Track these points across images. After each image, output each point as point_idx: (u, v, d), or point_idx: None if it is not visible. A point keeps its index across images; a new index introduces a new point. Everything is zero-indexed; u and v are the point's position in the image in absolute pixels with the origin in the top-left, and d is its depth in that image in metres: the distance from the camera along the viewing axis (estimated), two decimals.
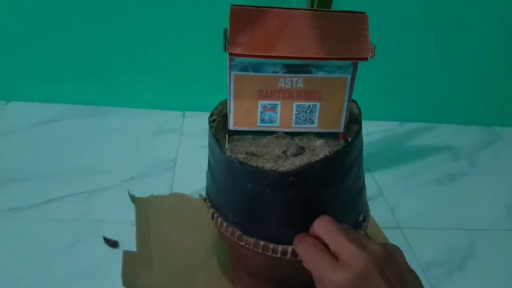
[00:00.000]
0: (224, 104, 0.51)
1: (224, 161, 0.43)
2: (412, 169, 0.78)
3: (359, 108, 0.50)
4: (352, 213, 0.47)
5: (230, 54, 0.38)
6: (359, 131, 0.46)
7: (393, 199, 0.69)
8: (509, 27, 0.85)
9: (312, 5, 0.45)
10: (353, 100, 0.50)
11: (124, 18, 0.81)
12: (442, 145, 0.87)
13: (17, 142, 0.75)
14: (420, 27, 0.84)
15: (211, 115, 0.49)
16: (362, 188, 0.48)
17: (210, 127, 0.47)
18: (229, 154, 0.42)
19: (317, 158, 0.42)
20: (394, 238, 0.61)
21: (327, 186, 0.42)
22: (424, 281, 0.38)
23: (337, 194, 0.44)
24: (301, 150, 0.43)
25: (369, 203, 0.51)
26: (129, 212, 0.62)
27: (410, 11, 0.81)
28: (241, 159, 0.42)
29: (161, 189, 0.67)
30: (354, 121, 0.47)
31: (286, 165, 0.41)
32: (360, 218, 0.49)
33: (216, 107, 0.51)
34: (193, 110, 0.92)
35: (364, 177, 0.49)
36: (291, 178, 0.40)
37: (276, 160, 0.42)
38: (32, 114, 0.83)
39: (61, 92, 0.88)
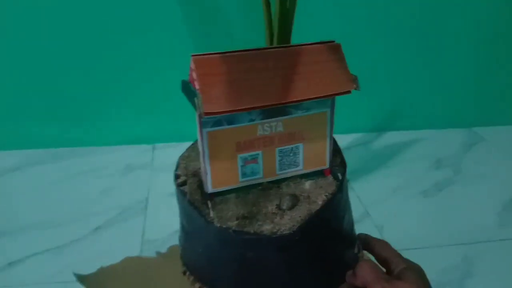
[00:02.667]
0: (185, 158, 0.45)
1: (213, 232, 0.37)
2: (397, 183, 0.75)
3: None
4: (350, 248, 0.44)
5: (206, 114, 0.32)
6: (343, 161, 0.43)
7: (380, 218, 0.66)
8: (483, 26, 0.84)
9: (271, 42, 0.41)
10: None
11: (82, 51, 0.75)
12: (424, 153, 0.85)
13: None
14: (391, 32, 0.81)
15: (176, 177, 0.42)
16: (353, 220, 0.46)
17: (181, 192, 0.40)
18: (218, 225, 0.36)
19: (316, 206, 0.38)
20: None
21: (330, 231, 0.39)
22: None
23: (339, 234, 0.40)
24: (295, 200, 0.38)
25: (356, 226, 0.49)
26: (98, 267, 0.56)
27: (380, 17, 0.79)
28: (234, 227, 0.36)
29: (131, 238, 0.61)
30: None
31: (286, 223, 0.36)
32: (356, 250, 0.46)
33: (178, 165, 0.44)
34: (163, 142, 0.85)
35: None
36: (297, 238, 0.35)
37: (273, 218, 0.37)
38: None
39: (18, 137, 0.81)
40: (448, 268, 0.58)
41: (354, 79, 0.36)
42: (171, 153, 0.45)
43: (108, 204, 0.68)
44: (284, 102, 0.35)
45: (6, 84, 0.77)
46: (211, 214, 0.37)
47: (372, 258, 0.42)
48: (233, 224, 0.36)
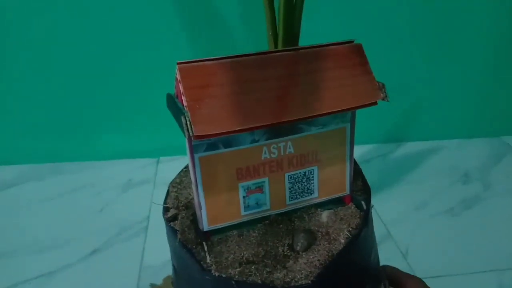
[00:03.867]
0: (176, 186, 0.38)
1: (210, 282, 0.30)
2: (420, 200, 0.67)
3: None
4: (375, 282, 0.37)
5: (196, 137, 0.25)
6: (365, 185, 0.36)
7: (404, 241, 0.59)
8: (502, 29, 0.76)
9: (275, 46, 0.34)
10: None
11: (83, 63, 0.71)
12: (448, 166, 0.77)
13: None
14: (410, 41, 0.74)
15: (165, 211, 0.35)
16: (378, 252, 0.38)
17: (171, 230, 0.33)
18: (217, 274, 0.29)
19: (337, 245, 0.30)
20: None
21: (355, 274, 0.31)
22: None
23: (366, 276, 0.33)
24: (311, 238, 0.31)
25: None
26: None
27: (398, 24, 0.72)
28: (236, 277, 0.29)
29: (129, 262, 0.58)
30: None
31: (302, 269, 0.29)
32: (382, 287, 0.38)
33: (168, 194, 0.37)
34: (168, 155, 0.80)
35: None
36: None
37: (285, 262, 0.30)
38: None
39: (14, 151, 0.77)
40: None
41: (381, 88, 0.29)
42: (176, 167, 0.40)
43: (105, 224, 0.64)
44: (294, 119, 0.28)
45: (3, 97, 0.73)
46: (208, 259, 0.30)
47: None
48: (235, 272, 0.29)
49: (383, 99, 0.29)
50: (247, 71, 0.27)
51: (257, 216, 0.32)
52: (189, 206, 0.35)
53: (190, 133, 0.25)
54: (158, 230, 0.61)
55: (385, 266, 0.39)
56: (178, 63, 0.26)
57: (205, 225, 0.31)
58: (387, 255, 0.52)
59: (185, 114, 0.25)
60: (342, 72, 0.29)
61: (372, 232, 0.35)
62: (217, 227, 0.32)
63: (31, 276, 0.55)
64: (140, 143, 0.79)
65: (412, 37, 0.75)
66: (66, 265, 0.57)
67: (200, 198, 0.30)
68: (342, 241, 0.30)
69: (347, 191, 0.34)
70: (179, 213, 0.34)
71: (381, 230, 0.60)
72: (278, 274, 0.29)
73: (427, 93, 0.80)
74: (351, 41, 0.30)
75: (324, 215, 0.34)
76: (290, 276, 0.28)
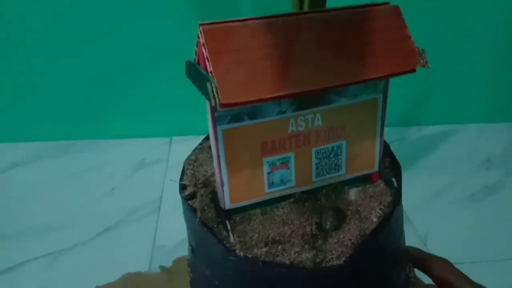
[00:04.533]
0: (192, 163, 0.35)
1: (234, 263, 0.28)
2: (440, 185, 0.65)
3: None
4: (404, 268, 0.35)
5: (223, 105, 0.23)
6: (395, 162, 0.34)
7: (424, 226, 0.57)
8: None
9: (300, 7, 0.31)
10: None
11: (93, 42, 0.69)
12: (470, 151, 0.74)
13: None
14: (435, 19, 0.71)
15: (182, 188, 0.33)
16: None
17: (190, 209, 0.31)
18: (242, 254, 0.27)
19: (370, 224, 0.28)
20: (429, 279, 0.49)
21: (387, 255, 0.30)
22: None
23: (397, 258, 0.31)
24: (341, 217, 0.29)
25: None
26: (103, 275, 0.51)
27: (414, 3, 0.67)
28: (263, 257, 0.27)
29: (142, 242, 0.57)
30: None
31: (333, 249, 0.27)
32: (407, 270, 0.37)
33: (184, 172, 0.35)
34: (181, 135, 0.78)
35: None
36: (350, 269, 0.26)
37: (314, 242, 0.28)
38: None
39: (28, 129, 0.76)
40: None
41: (421, 53, 0.26)
42: (189, 147, 0.38)
43: (116, 204, 0.63)
44: (326, 87, 0.25)
45: (16, 75, 0.72)
46: (231, 239, 0.28)
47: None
48: (261, 252, 0.27)
49: (423, 66, 0.26)
50: (276, 34, 0.25)
51: (282, 193, 0.30)
52: (207, 183, 0.33)
53: (217, 101, 0.22)
54: (171, 210, 0.61)
55: (408, 247, 0.38)
56: (200, 24, 0.24)
57: (227, 203, 0.29)
58: (406, 241, 0.51)
59: (211, 80, 0.23)
60: (379, 36, 0.26)
61: (403, 215, 0.33)
62: (240, 205, 0.30)
63: (42, 253, 0.55)
64: (153, 123, 0.77)
65: (429, 16, 0.71)
66: (77, 243, 0.56)
67: (222, 175, 0.28)
68: (375, 219, 0.28)
69: (376, 168, 0.32)
70: (197, 191, 0.32)
71: None
72: (307, 254, 0.27)
73: (446, 75, 0.77)
74: (387, 3, 0.28)
75: (352, 193, 0.32)
76: (320, 257, 0.27)
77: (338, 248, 0.27)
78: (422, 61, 0.26)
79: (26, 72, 0.72)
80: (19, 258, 0.54)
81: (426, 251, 0.53)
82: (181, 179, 0.34)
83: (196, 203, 0.31)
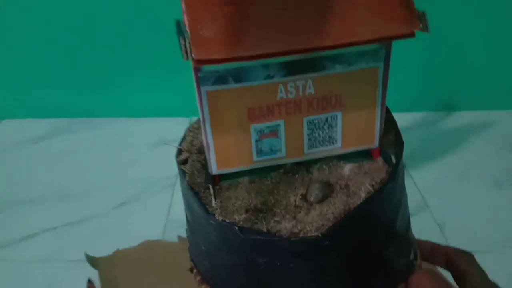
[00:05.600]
0: (193, 130, 0.36)
1: (214, 228, 0.28)
2: (464, 169, 0.63)
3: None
4: (404, 255, 0.33)
5: (195, 61, 0.22)
6: (399, 139, 0.32)
7: (442, 212, 0.55)
8: None
9: None
10: None
11: (115, 17, 0.71)
12: (497, 138, 0.71)
13: (2, 165, 0.69)
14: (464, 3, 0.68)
15: (178, 153, 0.33)
16: (409, 217, 0.35)
17: (181, 173, 0.31)
18: (220, 218, 0.27)
19: (356, 199, 0.27)
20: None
21: (376, 233, 0.28)
22: None
23: (389, 238, 0.30)
24: (328, 190, 0.28)
25: (411, 219, 0.37)
26: (119, 243, 0.54)
27: None
28: (241, 223, 0.26)
29: (156, 215, 0.60)
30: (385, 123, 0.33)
31: (314, 221, 0.26)
32: (411, 257, 0.35)
33: (184, 138, 0.35)
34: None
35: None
36: (327, 242, 0.25)
37: (295, 213, 0.27)
38: (22, 132, 0.76)
39: (51, 105, 0.80)
40: None
41: (420, 16, 0.24)
42: None
43: (135, 178, 0.65)
44: (315, 47, 0.24)
45: (39, 53, 0.74)
46: (213, 203, 0.28)
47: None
48: (240, 218, 0.27)
49: (421, 30, 0.24)
50: None
51: (271, 163, 0.30)
52: (202, 150, 0.33)
53: (189, 57, 0.22)
54: None
55: (420, 241, 0.36)
56: None
57: (214, 168, 0.29)
58: (422, 228, 0.48)
59: (186, 35, 0.22)
60: None
61: (402, 192, 0.31)
62: (227, 172, 0.29)
63: (60, 223, 0.58)
64: (173, 102, 0.78)
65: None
66: (95, 215, 0.59)
67: (208, 138, 0.28)
68: (363, 195, 0.27)
69: (375, 144, 0.31)
70: (190, 156, 0.32)
71: (416, 201, 0.57)
72: (287, 224, 0.26)
73: (480, 58, 0.73)
74: None
75: (347, 168, 0.30)
76: (299, 227, 0.26)
77: (319, 220, 0.26)
78: (420, 24, 0.24)
79: (45, 51, 0.75)
80: (38, 226, 0.57)
81: (443, 238, 0.50)
82: (180, 144, 0.34)
83: (187, 167, 0.31)
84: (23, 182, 0.65)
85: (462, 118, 0.76)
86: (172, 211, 0.59)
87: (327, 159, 0.31)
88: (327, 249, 0.25)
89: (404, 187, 0.32)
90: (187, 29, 0.22)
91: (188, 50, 0.22)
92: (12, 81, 0.78)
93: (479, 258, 0.46)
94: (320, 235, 0.25)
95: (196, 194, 0.29)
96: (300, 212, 0.27)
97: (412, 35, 0.25)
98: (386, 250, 0.29)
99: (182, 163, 0.32)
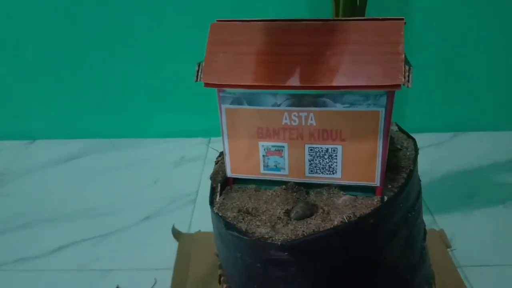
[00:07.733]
0: None
1: (212, 218, 0.34)
2: (471, 188, 0.62)
3: (412, 139, 0.37)
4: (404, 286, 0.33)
5: (206, 85, 0.29)
6: (407, 182, 0.32)
7: (450, 229, 0.55)
8: None
9: (337, 14, 0.33)
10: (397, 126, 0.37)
11: (139, 42, 0.77)
12: (507, 158, 0.69)
13: (33, 182, 0.73)
14: (469, 23, 0.69)
15: (218, 156, 0.40)
16: (422, 252, 0.35)
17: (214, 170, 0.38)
18: (215, 211, 0.33)
19: (328, 225, 0.30)
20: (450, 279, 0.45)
21: (350, 264, 0.30)
22: None
23: (375, 271, 0.31)
24: (309, 212, 0.31)
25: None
26: (142, 259, 0.56)
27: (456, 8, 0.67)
28: (229, 219, 0.32)
29: (178, 227, 0.61)
30: (406, 161, 0.34)
31: (285, 233, 0.30)
32: None
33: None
34: (219, 136, 0.88)
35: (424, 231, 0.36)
36: (286, 254, 0.29)
37: (275, 223, 0.31)
38: (53, 152, 0.82)
39: (82, 126, 0.86)
40: None
41: (406, 71, 0.26)
42: None
43: (158, 195, 0.68)
44: (296, 86, 0.28)
45: (72, 78, 0.80)
46: (217, 198, 0.34)
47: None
48: (231, 215, 0.32)
49: (403, 84, 0.26)
50: (271, 35, 0.29)
51: (276, 178, 0.34)
52: None
53: (198, 79, 0.29)
54: (206, 203, 0.65)
55: None
56: (217, 21, 0.30)
57: (229, 172, 0.35)
58: (430, 243, 0.46)
59: (201, 63, 0.29)
60: (367, 48, 0.27)
61: (391, 235, 0.31)
62: (239, 177, 0.35)
63: (89, 236, 0.60)
64: (194, 124, 0.82)
65: (471, 19, 0.69)
66: (120, 228, 0.61)
67: (225, 145, 0.34)
68: (335, 223, 0.29)
69: (376, 182, 0.32)
70: (221, 160, 0.39)
71: (426, 217, 0.54)
72: (263, 230, 0.30)
73: (490, 80, 0.74)
74: (400, 19, 0.28)
75: (342, 198, 0.33)
76: (270, 234, 0.30)
77: (289, 233, 0.30)
78: (403, 79, 0.26)
79: (86, 79, 0.79)
80: (68, 239, 0.59)
81: (450, 252, 0.50)
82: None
83: (217, 166, 0.38)
84: (54, 199, 0.68)
85: (469, 139, 0.76)
86: (193, 225, 0.61)
87: (329, 186, 0.34)
88: (286, 261, 0.29)
89: (409, 227, 0.33)
90: (205, 59, 0.29)
91: (199, 74, 0.29)
92: (45, 103, 0.83)
93: (484, 272, 0.47)
94: (279, 244, 0.29)
95: (212, 188, 0.35)
96: (279, 224, 0.31)
97: (398, 87, 0.26)
98: (371, 278, 0.31)
99: (216, 162, 0.39)
